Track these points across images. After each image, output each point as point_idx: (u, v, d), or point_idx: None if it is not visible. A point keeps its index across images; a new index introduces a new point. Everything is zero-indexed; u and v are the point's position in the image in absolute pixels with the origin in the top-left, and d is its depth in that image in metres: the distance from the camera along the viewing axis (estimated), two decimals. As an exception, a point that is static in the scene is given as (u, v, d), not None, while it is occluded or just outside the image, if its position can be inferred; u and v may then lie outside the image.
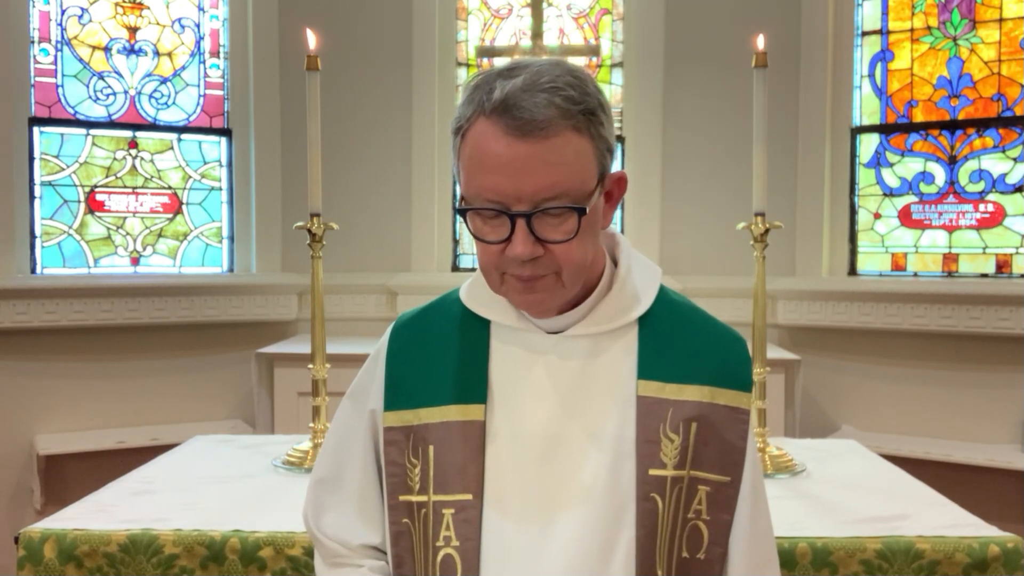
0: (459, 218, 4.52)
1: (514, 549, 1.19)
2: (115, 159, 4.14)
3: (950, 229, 4.05)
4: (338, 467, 1.36)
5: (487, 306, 1.28)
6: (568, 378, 1.24)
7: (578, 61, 4.51)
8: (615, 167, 1.22)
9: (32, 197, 3.97)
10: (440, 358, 1.28)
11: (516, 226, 1.13)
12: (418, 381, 1.28)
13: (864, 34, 4.24)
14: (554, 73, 1.13)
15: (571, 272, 1.17)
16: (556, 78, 1.12)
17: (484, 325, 1.29)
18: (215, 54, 4.35)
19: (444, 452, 1.23)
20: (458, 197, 1.18)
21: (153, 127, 4.22)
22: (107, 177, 4.13)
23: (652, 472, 1.20)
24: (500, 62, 1.19)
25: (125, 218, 4.17)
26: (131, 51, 4.19)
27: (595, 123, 1.14)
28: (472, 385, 1.25)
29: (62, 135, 4.05)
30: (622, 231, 4.47)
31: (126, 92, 4.18)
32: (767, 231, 2.22)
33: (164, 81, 4.25)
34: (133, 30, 4.19)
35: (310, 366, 2.30)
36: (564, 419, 1.22)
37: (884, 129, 4.19)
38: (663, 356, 1.24)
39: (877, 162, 4.21)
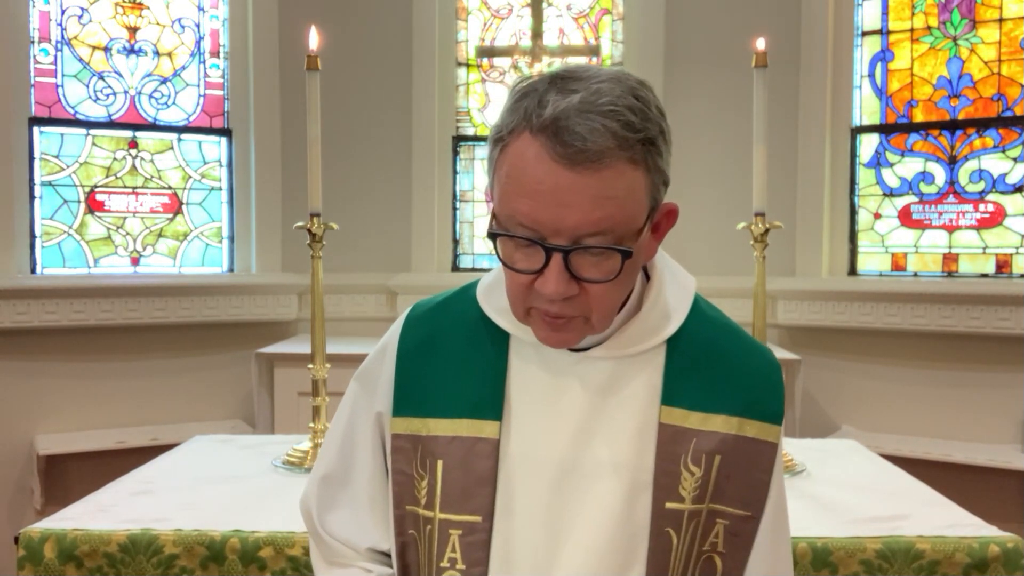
0: (457, 214, 4.53)
1: None
2: (115, 159, 4.14)
3: (950, 229, 4.04)
4: (345, 464, 1.28)
5: (506, 317, 1.18)
6: (588, 401, 1.15)
7: (578, 61, 4.52)
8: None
9: (32, 197, 3.96)
10: (455, 365, 1.19)
11: (551, 260, 1.01)
12: (429, 387, 1.20)
13: (864, 34, 4.24)
14: (615, 92, 1.00)
15: (602, 315, 1.07)
16: (617, 99, 0.99)
17: (503, 335, 1.19)
18: (215, 54, 4.35)
19: (453, 469, 1.16)
20: (491, 218, 1.09)
21: (153, 127, 4.22)
22: (107, 177, 4.13)
23: (669, 506, 1.13)
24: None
25: (125, 218, 4.17)
26: (131, 51, 4.19)
27: (653, 153, 1.02)
28: (488, 400, 1.16)
29: (62, 135, 4.05)
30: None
31: (126, 92, 4.18)
32: (767, 231, 2.22)
33: (164, 81, 4.25)
34: (133, 30, 4.19)
35: (310, 366, 2.30)
36: (581, 444, 1.14)
37: (884, 129, 4.19)
38: (690, 381, 1.16)
39: (877, 162, 4.21)
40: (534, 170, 1.00)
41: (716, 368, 1.17)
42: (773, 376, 1.20)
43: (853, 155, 4.23)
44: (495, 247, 1.07)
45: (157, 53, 4.24)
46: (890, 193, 4.18)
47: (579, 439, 1.15)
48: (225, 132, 4.35)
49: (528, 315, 1.10)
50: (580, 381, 1.16)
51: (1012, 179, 3.91)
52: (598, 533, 1.13)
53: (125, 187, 4.17)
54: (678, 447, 1.14)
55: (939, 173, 4.07)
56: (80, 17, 4.08)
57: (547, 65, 4.15)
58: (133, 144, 4.17)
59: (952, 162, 4.03)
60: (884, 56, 4.20)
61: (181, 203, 4.28)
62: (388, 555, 1.27)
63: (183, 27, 4.29)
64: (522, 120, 1.01)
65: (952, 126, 4.03)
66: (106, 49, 4.14)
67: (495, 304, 1.20)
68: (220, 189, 4.35)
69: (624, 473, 1.14)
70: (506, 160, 1.03)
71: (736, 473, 1.15)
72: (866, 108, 4.24)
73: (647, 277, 1.20)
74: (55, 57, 4.04)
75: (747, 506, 1.16)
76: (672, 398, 1.15)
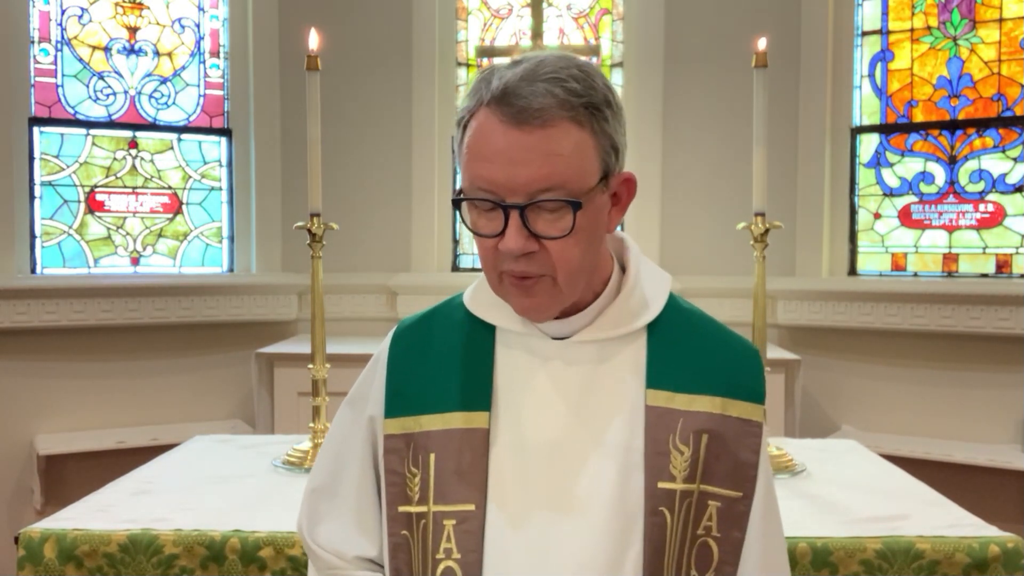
0: (457, 213, 4.54)
1: (517, 562, 1.15)
2: (115, 159, 4.14)
3: (950, 229, 4.04)
4: (334, 476, 1.31)
5: (491, 310, 1.24)
6: (574, 385, 1.19)
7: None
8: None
9: (32, 197, 3.96)
10: (443, 363, 1.24)
11: (509, 218, 1.09)
12: (420, 387, 1.24)
13: (864, 34, 4.24)
14: (558, 65, 1.10)
15: (567, 275, 1.13)
16: (559, 69, 1.09)
17: (489, 330, 1.24)
18: (215, 54, 4.35)
19: (445, 460, 1.19)
20: (456, 190, 1.16)
21: (153, 127, 4.22)
22: (107, 177, 4.13)
23: (661, 485, 1.15)
24: (500, 62, 1.17)
25: (125, 218, 4.17)
26: (131, 51, 4.19)
27: (598, 118, 1.11)
28: (476, 391, 1.21)
29: (62, 135, 4.05)
30: (621, 231, 4.47)
31: (126, 92, 4.18)
32: (767, 231, 2.22)
33: (164, 81, 4.25)
34: (133, 30, 4.19)
35: (310, 366, 2.30)
36: (570, 428, 1.18)
37: (884, 129, 4.19)
38: (673, 365, 1.20)
39: (877, 162, 4.21)
40: (488, 136, 1.10)
41: (697, 352, 1.22)
42: (752, 358, 1.25)
43: (853, 155, 4.23)
44: (461, 216, 1.16)
45: (157, 53, 4.24)
46: (890, 193, 4.18)
47: (567, 423, 1.18)
48: (225, 132, 4.35)
49: (501, 282, 1.16)
50: (565, 366, 1.20)
51: (1012, 179, 3.91)
52: (593, 515, 1.15)
53: (125, 187, 4.17)
54: (666, 428, 1.18)
55: (939, 173, 4.07)
56: (80, 17, 4.08)
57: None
58: (133, 144, 4.17)
59: (952, 162, 4.04)
60: (884, 56, 4.20)
61: (181, 203, 4.28)
62: (375, 562, 1.29)
63: (183, 27, 4.29)
64: (478, 99, 1.12)
65: (952, 126, 4.03)
66: (106, 49, 4.14)
67: (479, 301, 1.26)
68: (220, 189, 4.35)
69: (614, 454, 1.17)
70: (467, 135, 1.13)
71: (724, 453, 1.18)
72: (866, 108, 4.24)
73: (623, 269, 1.26)
74: (55, 57, 4.04)
75: (737, 486, 1.19)
76: (656, 381, 1.20)
